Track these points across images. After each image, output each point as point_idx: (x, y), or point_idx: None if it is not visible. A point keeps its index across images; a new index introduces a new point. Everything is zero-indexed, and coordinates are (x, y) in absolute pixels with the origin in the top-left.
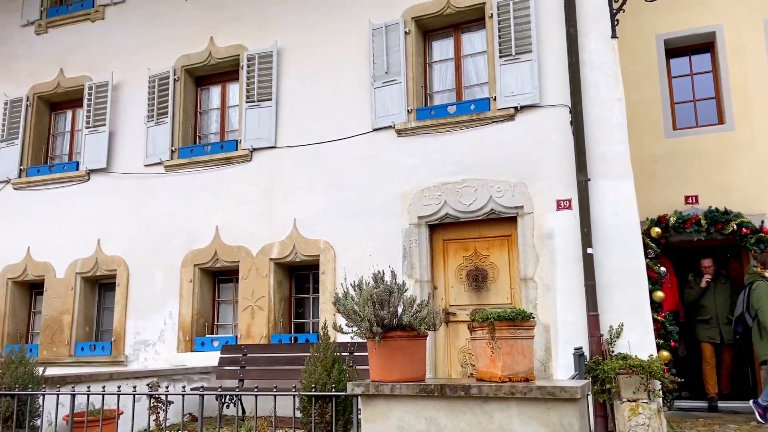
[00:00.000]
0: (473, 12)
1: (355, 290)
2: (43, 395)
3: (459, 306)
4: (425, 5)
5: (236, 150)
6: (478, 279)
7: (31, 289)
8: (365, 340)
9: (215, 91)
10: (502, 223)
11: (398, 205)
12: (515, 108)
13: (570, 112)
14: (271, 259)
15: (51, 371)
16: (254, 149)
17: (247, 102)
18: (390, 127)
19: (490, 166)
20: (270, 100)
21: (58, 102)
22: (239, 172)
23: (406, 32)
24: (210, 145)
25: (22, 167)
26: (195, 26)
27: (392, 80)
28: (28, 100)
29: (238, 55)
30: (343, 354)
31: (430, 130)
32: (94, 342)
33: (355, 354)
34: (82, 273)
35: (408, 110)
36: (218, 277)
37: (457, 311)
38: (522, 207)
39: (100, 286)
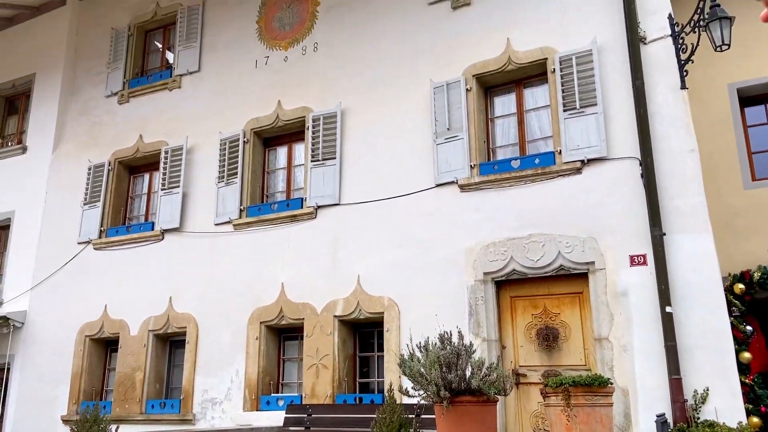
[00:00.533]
0: (535, 67)
1: (421, 351)
2: None
3: (530, 367)
4: (486, 63)
5: (301, 208)
6: (549, 338)
7: (107, 346)
8: (432, 404)
9: (282, 152)
10: (572, 279)
11: (463, 261)
12: (582, 161)
13: (640, 165)
14: (335, 316)
15: (123, 429)
16: (319, 207)
17: (312, 161)
18: (453, 182)
19: (557, 220)
20: (334, 158)
21: (137, 166)
22: (304, 230)
23: (467, 89)
24: (276, 204)
25: (102, 228)
26: (263, 91)
27: (454, 136)
28: (110, 165)
29: (304, 116)
30: (409, 417)
31: (494, 184)
32: (164, 399)
33: (422, 417)
34: (155, 330)
35: (471, 165)
36: (284, 335)
37: (528, 372)
38: (593, 263)
39: (171, 344)
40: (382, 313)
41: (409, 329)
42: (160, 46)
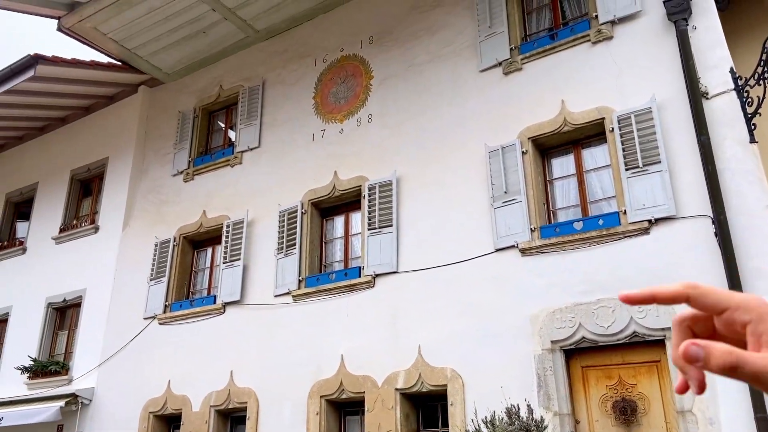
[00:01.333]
0: (592, 127)
1: (487, 427)
2: None
3: None
4: (541, 125)
5: (359, 276)
6: (626, 412)
7: (169, 423)
8: None
9: (339, 221)
10: (647, 347)
11: (528, 328)
12: (649, 221)
13: (713, 223)
14: (396, 389)
15: None
16: (377, 275)
17: (369, 229)
18: (513, 246)
19: (626, 283)
20: (391, 226)
21: (200, 240)
22: (363, 299)
23: (523, 152)
24: (334, 273)
25: (167, 303)
26: (320, 163)
27: (512, 200)
28: (175, 241)
29: (360, 185)
30: None
31: (557, 248)
32: None
33: None
34: (216, 406)
35: (531, 229)
36: (344, 409)
37: None
38: (670, 329)
39: (232, 420)
40: (446, 385)
41: (473, 402)
42: (223, 125)
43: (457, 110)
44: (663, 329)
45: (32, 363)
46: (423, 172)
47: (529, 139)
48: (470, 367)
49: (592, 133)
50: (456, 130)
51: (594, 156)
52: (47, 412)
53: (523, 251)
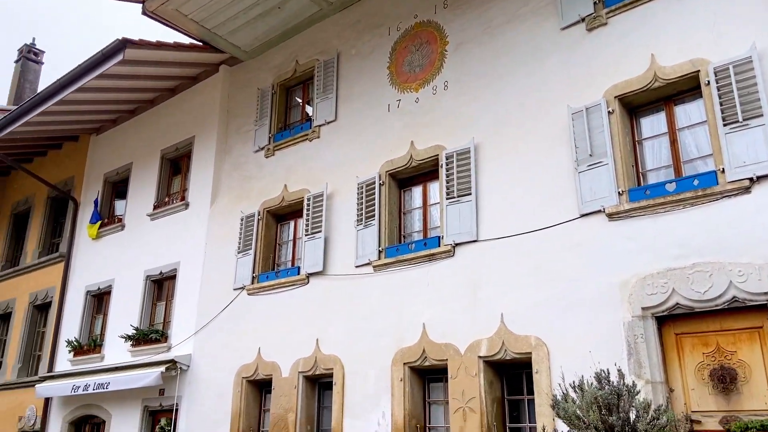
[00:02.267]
0: (686, 82)
1: (576, 392)
2: None
3: (704, 412)
4: (629, 82)
5: (439, 246)
6: (725, 380)
7: (261, 388)
8: None
9: (417, 191)
10: (748, 312)
11: (617, 295)
12: (750, 179)
13: None
14: (479, 357)
15: None
16: (456, 244)
17: (447, 198)
18: (599, 211)
19: (725, 246)
20: (469, 194)
21: (283, 214)
22: (443, 268)
23: (609, 112)
24: (414, 243)
25: (254, 274)
26: (396, 133)
27: (598, 162)
28: (259, 215)
29: (437, 155)
30: None
31: (647, 211)
32: None
33: None
34: (304, 372)
35: (619, 192)
36: (427, 376)
37: (702, 419)
38: None
39: (320, 385)
40: (530, 353)
41: (561, 368)
42: (300, 100)
43: (536, 72)
44: (765, 293)
45: (134, 332)
46: (502, 139)
47: (615, 98)
48: (555, 335)
49: (686, 88)
50: (536, 93)
51: (688, 112)
52: (149, 377)
53: (611, 216)
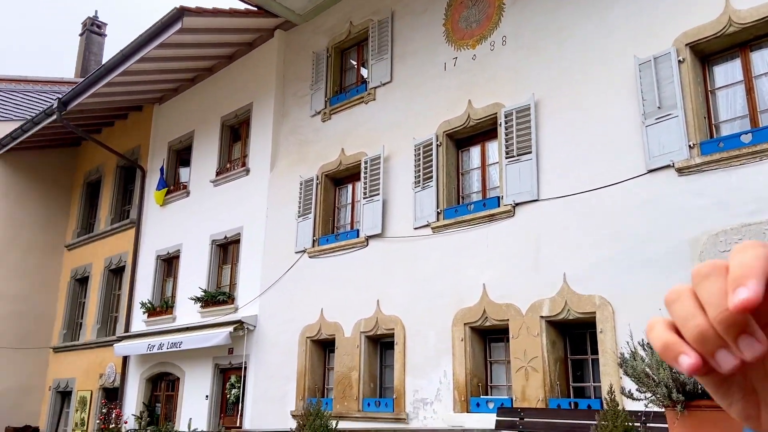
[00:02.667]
0: (763, 26)
1: (645, 350)
2: None
3: None
4: (701, 28)
5: (498, 206)
6: None
7: (324, 347)
8: (662, 410)
9: (475, 151)
10: None
11: (687, 253)
12: None
13: None
14: (541, 317)
15: (342, 424)
16: (516, 204)
17: (506, 157)
18: (668, 166)
19: None
20: (530, 152)
21: (341, 178)
22: (503, 229)
23: (679, 61)
24: (472, 204)
25: (314, 238)
26: (453, 93)
27: (667, 115)
28: (317, 179)
29: (496, 113)
30: (635, 425)
31: (720, 164)
32: (378, 398)
33: (649, 425)
34: (365, 332)
35: (689, 146)
36: (488, 336)
37: None
38: None
39: (381, 345)
40: (594, 312)
41: (629, 325)
42: (355, 63)
43: (598, 22)
44: None
45: (203, 294)
46: (563, 93)
47: (686, 45)
48: (621, 294)
49: (763, 33)
50: (599, 44)
51: (766, 59)
52: (218, 336)
53: (680, 170)
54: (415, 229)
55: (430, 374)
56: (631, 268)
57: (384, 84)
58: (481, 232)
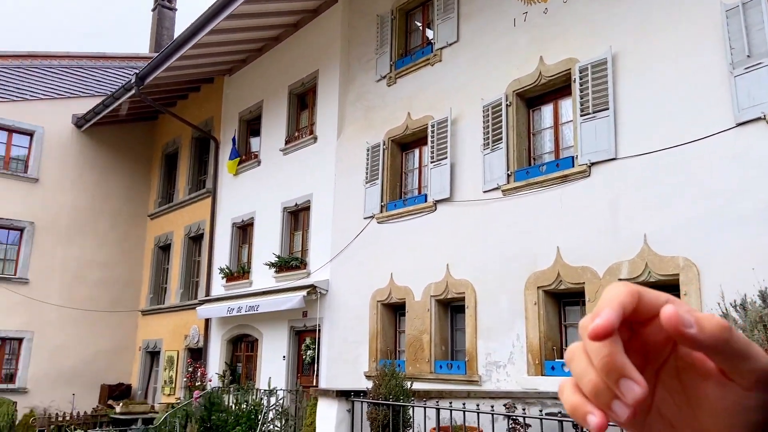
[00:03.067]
0: None
1: (737, 311)
2: (413, 407)
3: None
4: None
5: (573, 167)
6: None
7: (395, 310)
8: None
9: (547, 110)
10: None
11: None
12: None
13: None
14: (620, 279)
15: (416, 386)
16: (592, 164)
17: (581, 115)
18: (760, 118)
19: None
20: (606, 109)
21: (407, 142)
22: (577, 189)
23: None
24: (545, 165)
25: (382, 203)
26: (523, 50)
27: (758, 64)
28: (384, 145)
29: (569, 69)
30: None
31: None
32: (450, 361)
33: None
34: (435, 296)
35: None
36: (563, 300)
37: None
38: None
39: (451, 309)
40: (677, 274)
41: (720, 286)
42: (420, 24)
43: None
44: None
45: (276, 259)
46: (643, 45)
47: None
48: (707, 255)
49: None
50: None
51: None
52: (293, 300)
53: None
54: (485, 192)
55: (502, 337)
56: (721, 227)
57: (450, 44)
58: (554, 194)
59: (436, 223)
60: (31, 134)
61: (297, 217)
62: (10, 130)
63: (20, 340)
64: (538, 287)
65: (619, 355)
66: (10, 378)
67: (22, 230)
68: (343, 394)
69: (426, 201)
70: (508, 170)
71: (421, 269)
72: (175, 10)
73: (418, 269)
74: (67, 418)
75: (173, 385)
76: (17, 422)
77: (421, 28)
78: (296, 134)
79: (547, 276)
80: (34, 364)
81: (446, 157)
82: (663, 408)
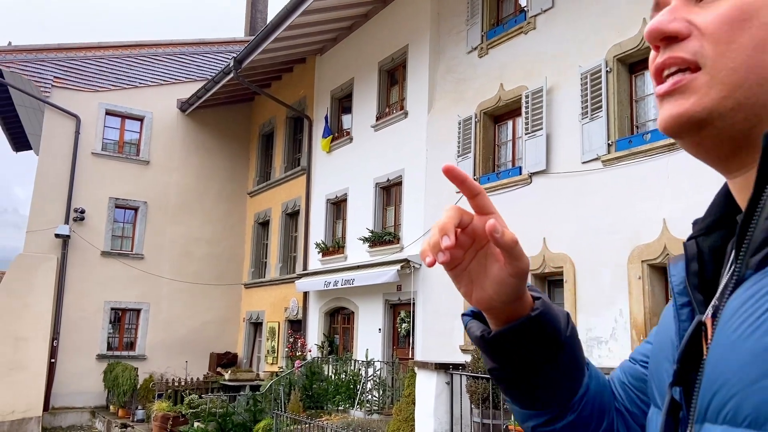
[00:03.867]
0: None
1: None
2: None
3: None
4: None
5: None
6: None
7: None
8: None
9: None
10: None
11: None
12: None
13: None
14: None
15: None
16: None
17: None
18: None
19: None
20: None
21: (500, 114)
22: (686, 159)
23: None
24: (649, 133)
25: (474, 177)
26: (624, 12)
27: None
28: (476, 117)
29: None
30: None
31: None
32: None
33: None
34: (532, 270)
35: None
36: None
37: None
38: None
39: (549, 283)
40: None
41: None
42: None
43: None
44: None
45: (370, 234)
46: None
47: None
48: None
49: None
50: None
51: None
52: (387, 274)
53: None
54: (583, 163)
55: (603, 313)
56: None
57: (545, 11)
58: (659, 163)
59: (531, 196)
60: (141, 119)
61: (389, 192)
62: (123, 116)
63: (138, 311)
64: (642, 261)
65: (449, 224)
66: (131, 346)
67: (136, 209)
68: (442, 367)
69: (520, 174)
70: (608, 140)
71: None
72: None
73: None
74: (182, 383)
75: (275, 355)
76: (139, 386)
77: None
78: (387, 110)
79: (653, 249)
80: (151, 333)
81: (542, 128)
82: (471, 272)
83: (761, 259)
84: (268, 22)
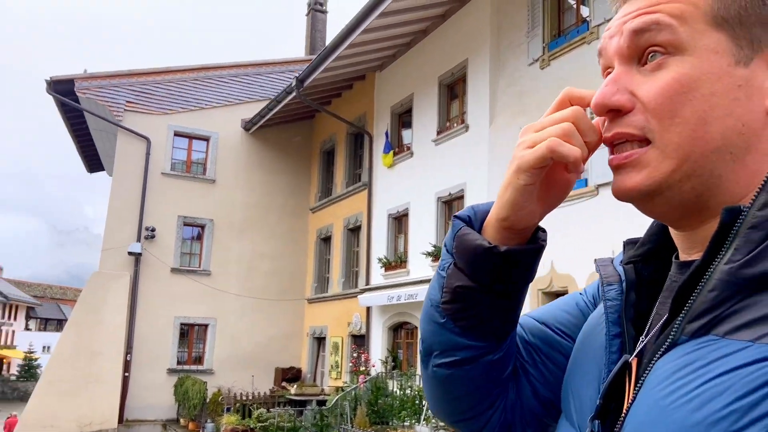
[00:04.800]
0: None
1: None
2: None
3: None
4: None
5: None
6: None
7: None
8: None
9: None
10: None
11: None
12: None
13: None
14: None
15: None
16: None
17: None
18: None
19: None
20: None
21: None
22: None
23: None
24: None
25: None
26: None
27: None
28: None
29: None
30: None
31: None
32: None
33: None
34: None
35: None
36: None
37: None
38: None
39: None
40: None
41: None
42: (573, 2)
43: None
44: None
45: (433, 248)
46: None
47: None
48: None
49: None
50: None
51: None
52: None
53: None
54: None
55: None
56: None
57: (608, 20)
58: None
59: (598, 207)
60: (207, 139)
61: (451, 206)
62: (191, 137)
63: (206, 326)
64: None
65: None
66: (199, 360)
67: (203, 227)
68: None
69: (586, 185)
70: None
71: (585, 257)
72: (327, 12)
73: (581, 257)
74: (250, 397)
75: (339, 370)
76: (208, 400)
77: (575, 6)
78: (447, 124)
79: None
80: (218, 348)
81: None
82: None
83: (698, 328)
84: (327, 41)
